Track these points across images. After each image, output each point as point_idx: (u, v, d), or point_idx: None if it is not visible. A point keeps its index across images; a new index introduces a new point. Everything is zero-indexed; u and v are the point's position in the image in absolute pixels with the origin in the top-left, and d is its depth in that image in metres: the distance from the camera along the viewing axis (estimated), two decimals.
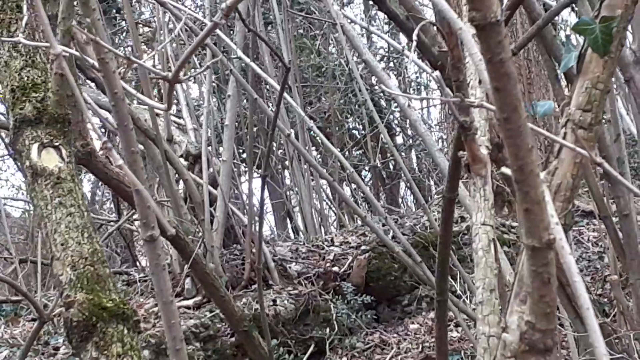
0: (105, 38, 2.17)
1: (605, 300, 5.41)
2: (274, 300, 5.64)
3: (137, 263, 8.38)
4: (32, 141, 2.29)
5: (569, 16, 8.57)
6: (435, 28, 3.72)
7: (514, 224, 6.31)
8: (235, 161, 7.49)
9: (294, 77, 7.60)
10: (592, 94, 1.64)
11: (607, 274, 5.24)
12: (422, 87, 11.09)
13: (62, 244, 2.14)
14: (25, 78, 2.38)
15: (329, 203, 9.43)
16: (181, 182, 5.83)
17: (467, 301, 5.33)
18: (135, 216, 6.75)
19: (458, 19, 1.71)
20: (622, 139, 3.71)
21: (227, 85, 6.55)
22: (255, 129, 8.35)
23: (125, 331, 2.09)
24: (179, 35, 7.26)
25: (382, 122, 6.53)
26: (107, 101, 5.75)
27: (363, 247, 6.45)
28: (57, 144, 2.30)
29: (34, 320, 5.24)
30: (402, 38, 10.10)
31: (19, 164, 7.54)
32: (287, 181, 10.13)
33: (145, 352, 4.78)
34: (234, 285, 5.70)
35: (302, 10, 9.40)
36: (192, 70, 7.77)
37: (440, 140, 10.49)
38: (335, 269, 6.23)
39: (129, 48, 10.05)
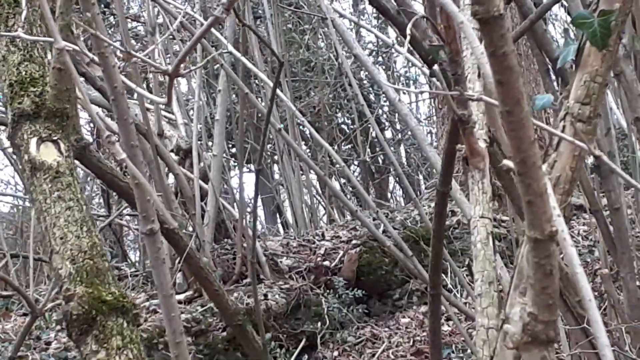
0: (105, 32, 2.17)
1: (596, 294, 5.44)
2: (266, 295, 5.65)
3: (128, 258, 8.37)
4: (30, 135, 2.30)
5: (559, 10, 8.61)
6: (426, 22, 3.72)
7: (505, 218, 6.33)
8: (224, 156, 7.48)
9: (283, 71, 7.60)
10: (591, 87, 1.66)
11: (598, 267, 5.27)
12: (411, 82, 11.10)
13: (61, 238, 2.14)
14: (24, 72, 2.39)
15: (319, 198, 9.44)
16: (172, 176, 5.83)
17: (458, 295, 5.36)
18: (125, 211, 6.74)
19: (459, 12, 1.72)
20: (613, 133, 3.74)
21: (217, 80, 6.54)
22: (244, 124, 8.33)
23: (125, 324, 2.10)
24: (168, 28, 7.25)
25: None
26: (97, 96, 5.69)
27: (354, 242, 6.46)
28: (55, 138, 2.31)
29: (25, 315, 5.23)
30: (392, 32, 10.12)
31: (8, 157, 7.53)
32: (277, 176, 10.13)
33: None
34: (225, 280, 5.70)
35: (292, 5, 9.39)
36: (191, 65, 7.77)
37: (429, 135, 10.51)
38: (326, 263, 6.24)
39: (117, 43, 10.01)
